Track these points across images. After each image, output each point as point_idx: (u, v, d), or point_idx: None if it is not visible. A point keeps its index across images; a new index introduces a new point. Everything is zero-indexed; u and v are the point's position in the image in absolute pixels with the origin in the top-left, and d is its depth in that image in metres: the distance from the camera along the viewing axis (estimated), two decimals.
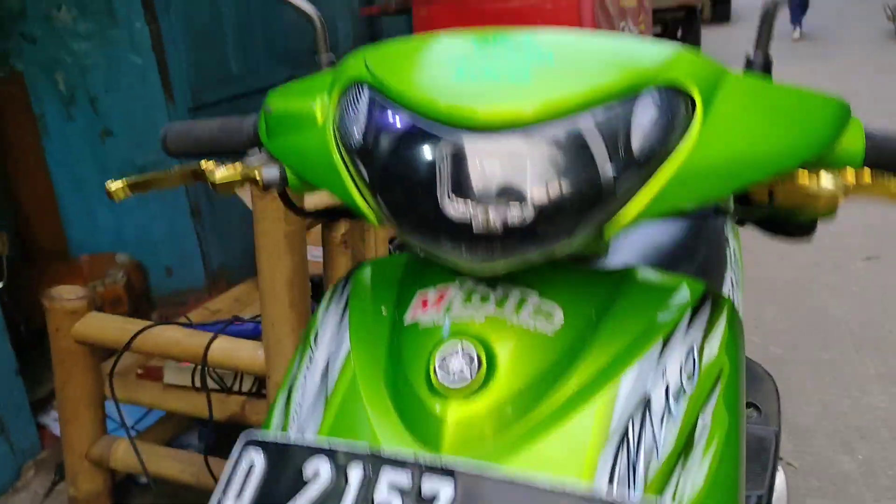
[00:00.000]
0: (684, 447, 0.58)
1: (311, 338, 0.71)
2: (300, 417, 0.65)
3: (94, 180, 2.58)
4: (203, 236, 2.70)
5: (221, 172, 0.72)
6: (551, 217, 0.54)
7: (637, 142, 0.54)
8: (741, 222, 0.74)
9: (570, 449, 0.56)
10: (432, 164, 0.55)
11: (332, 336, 0.69)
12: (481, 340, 0.59)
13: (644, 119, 0.54)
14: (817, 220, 0.68)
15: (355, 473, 0.55)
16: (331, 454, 0.56)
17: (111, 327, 1.58)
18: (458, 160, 0.54)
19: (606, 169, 0.54)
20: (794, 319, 2.83)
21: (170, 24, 2.49)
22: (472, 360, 0.58)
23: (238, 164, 0.72)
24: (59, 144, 2.55)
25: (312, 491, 0.55)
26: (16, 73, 2.46)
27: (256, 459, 0.58)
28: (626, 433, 0.57)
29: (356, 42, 3.61)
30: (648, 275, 0.69)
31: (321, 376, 0.67)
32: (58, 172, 2.59)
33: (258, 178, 0.70)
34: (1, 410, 1.90)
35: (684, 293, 0.67)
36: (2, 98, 2.45)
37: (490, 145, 0.54)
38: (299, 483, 0.56)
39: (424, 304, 0.65)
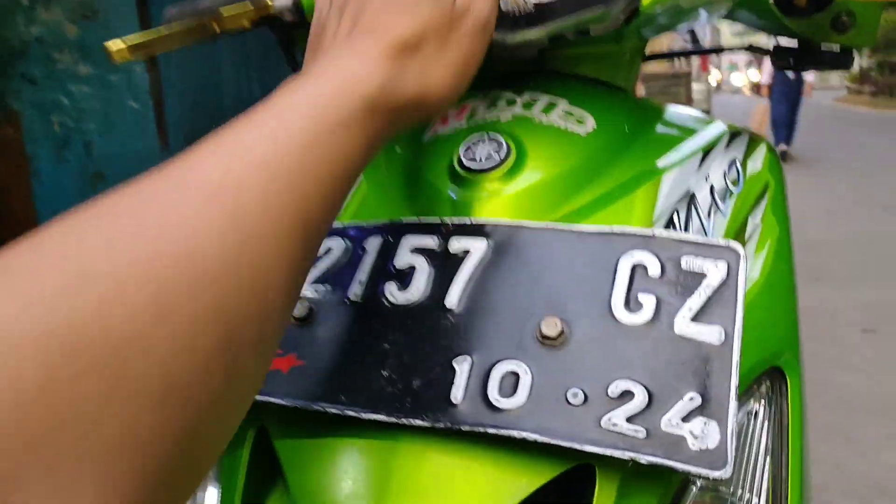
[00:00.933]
0: (734, 239, 0.52)
1: None
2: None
3: None
4: None
5: (229, 10, 0.68)
6: None
7: None
8: (779, 60, 0.70)
9: None
10: None
11: None
12: (509, 133, 0.54)
13: None
14: (852, 51, 0.65)
15: (373, 242, 0.48)
16: (345, 232, 0.50)
17: None
18: None
19: None
20: None
21: (169, 71, 2.52)
22: (500, 146, 0.53)
23: (247, 1, 0.69)
24: (49, 187, 2.52)
25: (324, 264, 0.48)
26: (13, 112, 2.46)
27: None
28: (672, 222, 0.51)
29: None
30: (682, 110, 0.65)
31: None
32: (46, 216, 2.54)
33: (270, 5, 0.66)
34: None
35: (721, 125, 0.62)
36: None
37: None
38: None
39: (444, 119, 0.60)
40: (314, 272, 0.48)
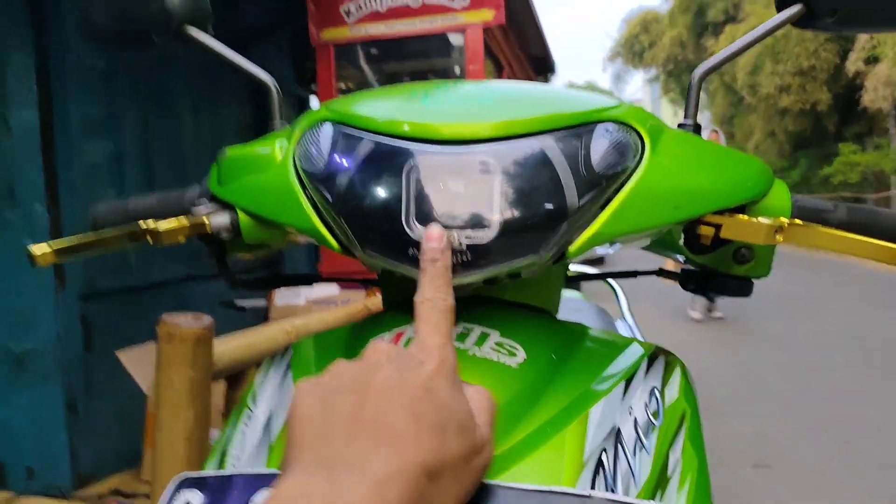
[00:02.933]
0: (659, 480, 0.55)
1: (249, 399, 0.65)
2: (239, 466, 0.57)
3: None
4: (76, 435, 2.46)
5: (165, 224, 0.69)
6: (517, 235, 0.55)
7: (597, 163, 0.57)
8: (686, 283, 0.76)
9: (547, 474, 0.52)
10: (396, 182, 0.56)
11: (273, 393, 0.64)
12: None
13: (601, 144, 0.57)
14: (752, 281, 0.72)
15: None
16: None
17: None
18: (422, 178, 0.55)
19: (570, 186, 0.56)
20: None
21: (71, 209, 2.47)
22: None
23: (183, 217, 0.70)
24: None
25: None
26: None
27: (193, 498, 0.50)
28: (601, 462, 0.54)
29: None
30: (601, 333, 0.69)
31: (263, 429, 0.60)
32: None
33: (206, 224, 0.68)
34: None
35: (638, 348, 0.67)
36: None
37: (454, 160, 0.55)
38: None
39: (376, 350, 0.61)
40: None
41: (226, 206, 0.69)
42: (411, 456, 0.40)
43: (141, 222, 0.70)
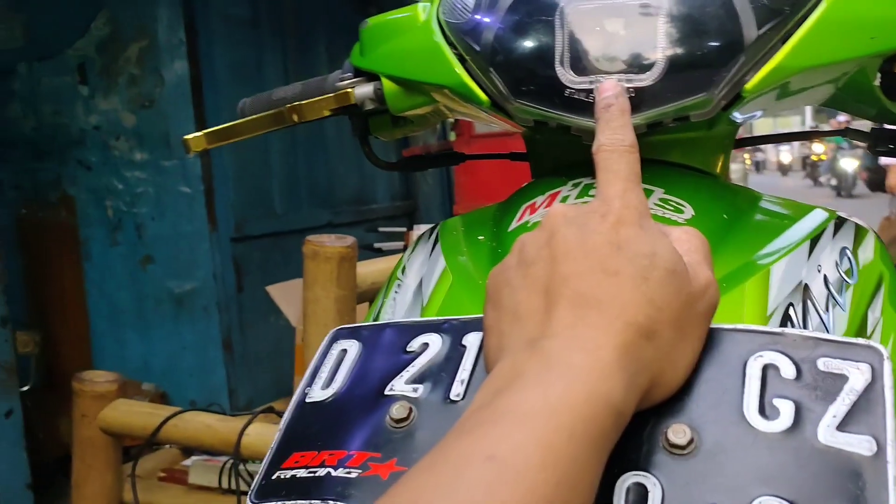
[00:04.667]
0: (857, 336, 0.49)
1: (398, 272, 0.64)
2: None
3: (130, 307, 2.56)
4: (232, 370, 2.61)
5: (308, 101, 0.68)
6: (686, 73, 0.50)
7: None
8: (877, 144, 0.67)
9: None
10: (549, 25, 0.52)
11: (422, 263, 0.62)
12: None
13: None
14: None
15: (471, 338, 0.46)
16: (441, 327, 0.48)
17: (140, 412, 1.47)
18: (576, 18, 0.51)
19: (748, 14, 0.50)
20: None
21: (220, 158, 2.58)
22: None
23: (327, 95, 0.69)
24: (100, 270, 2.56)
25: (422, 361, 0.46)
26: (68, 197, 2.52)
27: (350, 346, 0.49)
28: (788, 317, 0.48)
29: (397, 194, 3.71)
30: (778, 199, 0.62)
31: (413, 294, 0.59)
32: (94, 297, 2.57)
33: (350, 94, 0.66)
34: None
35: (822, 212, 0.60)
36: (50, 222, 2.49)
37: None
38: (404, 359, 0.47)
39: (532, 208, 0.58)
40: (412, 370, 0.46)
41: (370, 77, 0.67)
42: (616, 317, 0.36)
43: (286, 106, 0.70)
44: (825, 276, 0.52)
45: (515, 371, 0.35)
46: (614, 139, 0.43)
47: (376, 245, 2.84)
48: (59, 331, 2.52)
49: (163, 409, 1.47)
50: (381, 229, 3.07)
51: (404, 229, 2.97)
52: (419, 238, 0.70)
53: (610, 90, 0.47)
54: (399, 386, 0.44)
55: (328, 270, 1.31)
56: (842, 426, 0.36)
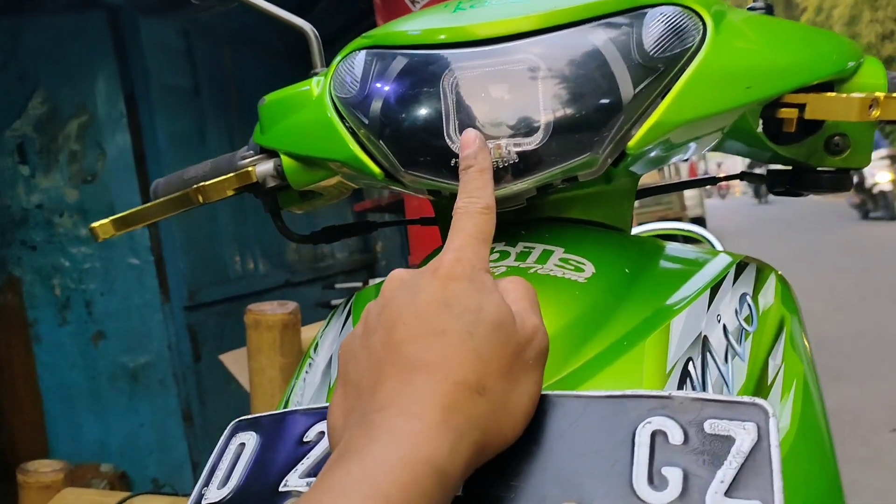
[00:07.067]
0: (757, 387, 0.49)
1: (311, 350, 0.63)
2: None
3: (83, 386, 2.49)
4: (194, 443, 2.55)
5: (213, 181, 0.68)
6: (570, 135, 0.50)
7: (650, 47, 0.51)
8: (774, 184, 0.68)
9: (627, 387, 0.47)
10: (434, 94, 0.52)
11: (333, 340, 0.61)
12: None
13: (655, 27, 0.51)
14: (850, 173, 0.63)
15: None
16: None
17: (89, 501, 1.42)
18: (461, 86, 0.52)
19: (623, 75, 0.50)
20: None
21: (169, 226, 2.55)
22: None
23: (231, 174, 0.69)
24: (51, 351, 2.49)
25: (317, 452, 0.45)
26: (13, 279, 2.46)
27: (248, 439, 0.48)
28: (687, 372, 0.48)
29: (355, 247, 3.69)
30: (682, 247, 0.63)
31: (322, 374, 0.58)
32: (47, 380, 2.50)
33: (251, 172, 0.66)
34: None
35: (725, 257, 0.60)
36: None
37: (493, 62, 0.51)
38: (301, 450, 0.45)
39: None
40: (306, 463, 0.44)
41: (271, 154, 0.67)
42: (444, 378, 0.36)
43: (191, 189, 0.70)
44: (724, 326, 0.51)
45: (345, 447, 0.35)
46: (468, 202, 0.44)
47: (334, 302, 2.81)
48: (12, 419, 2.44)
49: (111, 496, 1.42)
50: (337, 286, 3.05)
51: (360, 284, 2.95)
52: (333, 311, 0.69)
53: (470, 146, 0.48)
54: (293, 481, 0.43)
55: (271, 339, 1.29)
56: (730, 492, 0.35)
